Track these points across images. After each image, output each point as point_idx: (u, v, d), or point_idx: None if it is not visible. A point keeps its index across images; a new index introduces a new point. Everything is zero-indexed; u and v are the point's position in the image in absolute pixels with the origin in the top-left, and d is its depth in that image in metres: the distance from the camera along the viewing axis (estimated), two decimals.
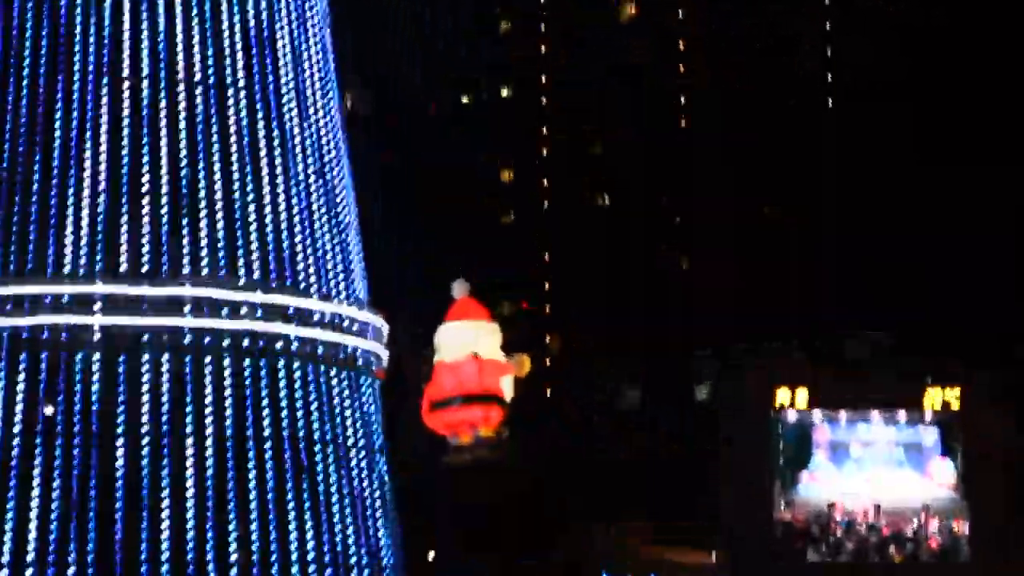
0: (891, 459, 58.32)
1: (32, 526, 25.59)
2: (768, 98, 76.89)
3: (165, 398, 26.53)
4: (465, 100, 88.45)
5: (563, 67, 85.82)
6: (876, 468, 58.34)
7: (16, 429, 25.96)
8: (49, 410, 25.97)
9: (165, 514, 26.12)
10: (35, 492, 25.77)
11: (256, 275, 27.71)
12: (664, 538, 57.62)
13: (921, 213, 69.54)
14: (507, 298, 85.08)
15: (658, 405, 71.13)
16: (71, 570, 25.52)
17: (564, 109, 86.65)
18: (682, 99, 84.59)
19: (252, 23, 28.67)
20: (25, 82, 27.21)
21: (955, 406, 55.82)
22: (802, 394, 59.85)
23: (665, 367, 73.15)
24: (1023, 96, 68.66)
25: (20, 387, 26.11)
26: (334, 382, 28.49)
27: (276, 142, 28.62)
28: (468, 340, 26.70)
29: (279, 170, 28.54)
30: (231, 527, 26.46)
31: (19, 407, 26.03)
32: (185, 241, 27.29)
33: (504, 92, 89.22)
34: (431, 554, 52.66)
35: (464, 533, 52.74)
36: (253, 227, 27.96)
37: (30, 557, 25.47)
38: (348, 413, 28.58)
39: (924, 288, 66.92)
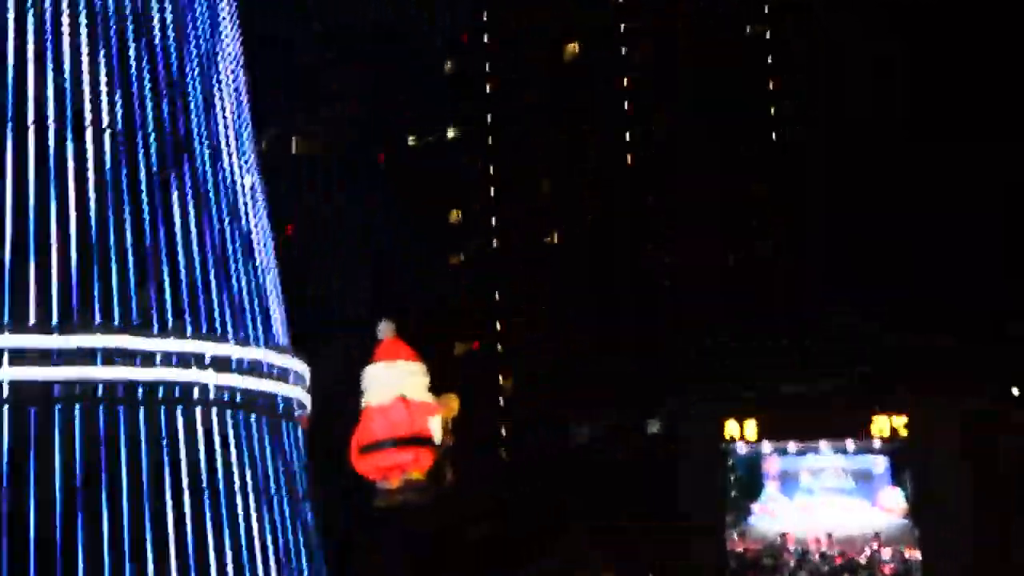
0: (841, 487, 58.17)
1: None
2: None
3: (77, 451, 25.91)
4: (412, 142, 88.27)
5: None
6: (826, 496, 58.18)
7: None
8: None
9: (80, 569, 25.44)
10: None
11: (170, 322, 27.18)
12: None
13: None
14: (459, 338, 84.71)
15: (611, 441, 70.72)
16: None
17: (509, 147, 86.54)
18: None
19: (161, 68, 28.25)
20: None
21: (903, 433, 55.72)
22: (751, 426, 59.68)
23: (617, 402, 72.78)
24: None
25: None
26: (254, 429, 27.95)
27: (188, 187, 28.16)
28: (395, 382, 26.15)
29: (191, 215, 28.06)
30: (156, 566, 25.85)
31: None
32: (95, 290, 26.73)
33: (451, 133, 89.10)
34: None
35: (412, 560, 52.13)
36: (166, 274, 27.46)
37: None
38: (269, 461, 28.03)
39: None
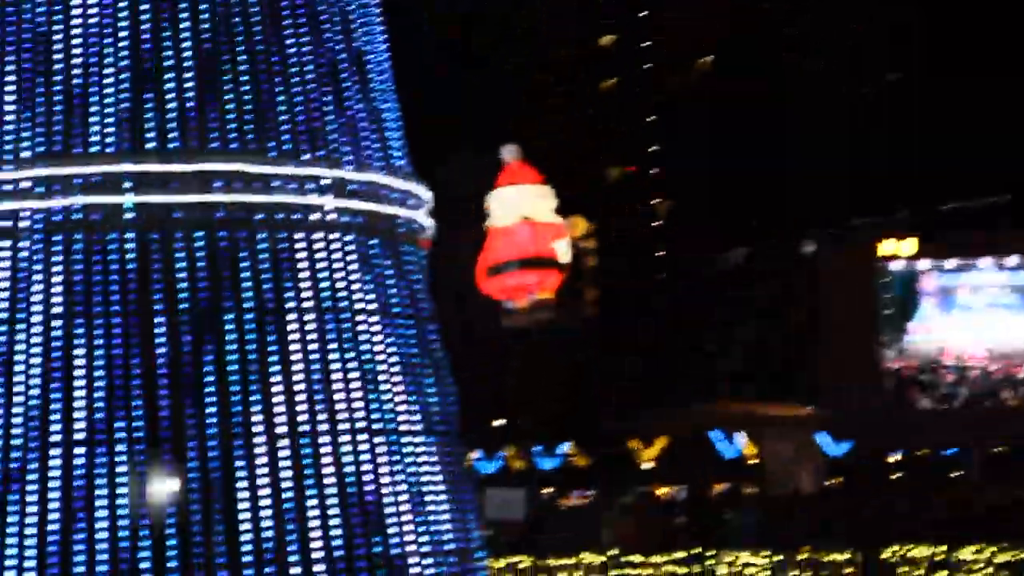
0: (1001, 303, 57.01)
1: (80, 407, 25.71)
2: None
3: (201, 275, 26.35)
4: None
5: None
6: (986, 312, 57.09)
7: (56, 312, 26.00)
8: (85, 291, 25.96)
9: (210, 390, 26.06)
10: (79, 374, 25.84)
11: (287, 147, 27.28)
12: (769, 397, 57.07)
13: None
14: (613, 162, 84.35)
15: (764, 260, 70.12)
16: (120, 447, 25.62)
17: None
18: None
19: None
20: None
21: None
22: (908, 244, 58.58)
23: (770, 224, 72.00)
24: None
25: (55, 269, 26.11)
26: (374, 251, 28.07)
27: (301, 9, 27.98)
28: (520, 204, 26.07)
29: (305, 39, 27.93)
30: (276, 399, 26.35)
31: (56, 290, 26.05)
32: (212, 116, 26.89)
33: None
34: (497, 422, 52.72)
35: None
36: (281, 99, 27.46)
37: (80, 436, 25.62)
38: (391, 282, 28.18)
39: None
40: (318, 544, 26.01)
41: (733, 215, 73.86)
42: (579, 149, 76.66)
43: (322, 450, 26.47)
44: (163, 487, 25.52)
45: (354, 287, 27.59)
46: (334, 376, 26.99)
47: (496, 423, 56.35)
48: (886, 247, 57.93)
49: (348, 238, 27.77)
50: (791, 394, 59.08)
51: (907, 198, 63.74)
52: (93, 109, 26.48)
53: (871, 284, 57.61)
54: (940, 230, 57.57)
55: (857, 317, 57.89)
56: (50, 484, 25.48)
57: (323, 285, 27.24)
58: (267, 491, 25.86)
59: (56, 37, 26.72)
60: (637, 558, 38.66)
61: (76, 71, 26.64)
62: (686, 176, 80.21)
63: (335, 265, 27.47)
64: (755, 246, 72.99)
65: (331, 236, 27.52)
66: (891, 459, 57.03)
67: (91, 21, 26.73)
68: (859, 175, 68.62)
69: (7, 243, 26.14)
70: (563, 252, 27.48)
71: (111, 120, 26.50)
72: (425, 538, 27.30)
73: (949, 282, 57.52)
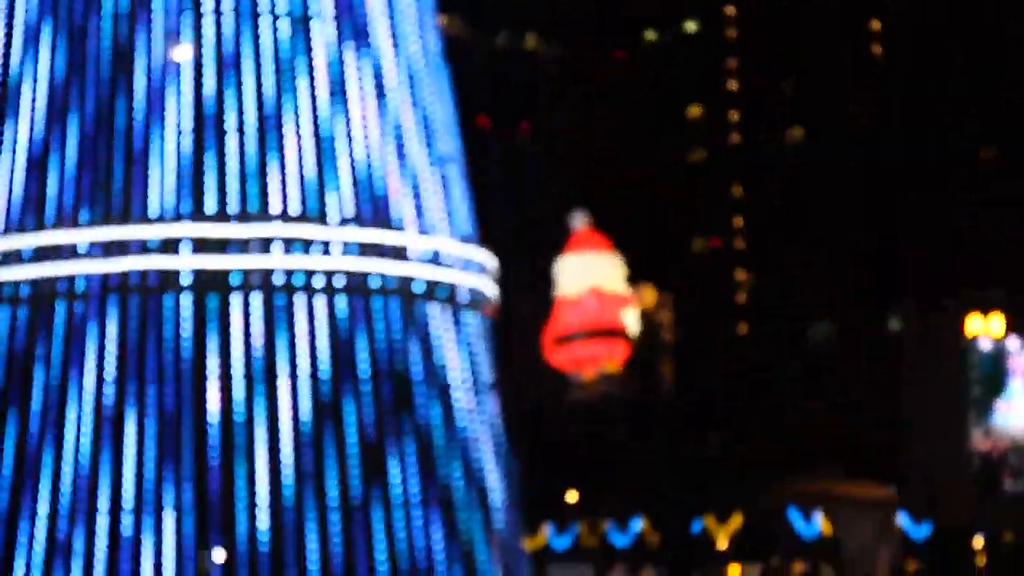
0: None
1: (128, 470, 25.37)
2: None
3: (257, 339, 25.98)
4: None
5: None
6: None
7: (110, 374, 25.72)
8: (140, 353, 25.68)
9: (261, 456, 25.62)
10: (130, 437, 25.52)
11: (349, 212, 26.92)
12: (849, 475, 55.68)
13: None
14: (696, 234, 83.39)
15: (850, 336, 68.67)
16: (168, 514, 25.21)
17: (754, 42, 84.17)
18: None
19: None
20: (108, 22, 26.79)
21: None
22: (996, 321, 57.15)
23: (857, 299, 70.61)
24: None
25: (112, 332, 25.85)
26: (433, 319, 27.55)
27: (366, 74, 27.72)
28: (588, 273, 25.37)
29: (370, 104, 27.65)
30: (328, 467, 25.85)
31: (111, 352, 25.77)
32: (274, 179, 26.65)
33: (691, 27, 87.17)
34: (572, 495, 51.74)
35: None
36: (344, 163, 27.17)
37: (128, 505, 25.24)
38: (449, 350, 27.63)
39: None
40: None
41: (820, 289, 72.66)
42: (660, 219, 76.11)
43: (374, 523, 25.92)
44: (210, 557, 25.09)
45: (412, 354, 27.09)
46: (388, 446, 26.48)
47: (570, 497, 55.51)
48: (973, 325, 56.40)
49: (408, 305, 27.33)
50: (873, 473, 57.66)
51: (996, 275, 62.30)
52: (154, 172, 26.37)
53: (958, 362, 56.03)
54: None
55: (943, 395, 56.30)
56: (96, 553, 25.18)
57: (381, 352, 26.79)
58: (316, 565, 25.30)
59: (119, 99, 26.66)
60: None
61: (138, 133, 26.57)
62: (771, 250, 79.26)
63: (393, 332, 27.00)
64: (841, 321, 71.70)
65: (390, 302, 27.12)
66: (976, 543, 55.38)
67: (154, 84, 26.67)
68: (946, 251, 67.28)
69: (63, 305, 26.06)
70: (632, 323, 26.71)
71: (171, 183, 26.36)
72: None
73: None
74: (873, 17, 79.05)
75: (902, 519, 54.36)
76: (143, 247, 25.99)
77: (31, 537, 25.18)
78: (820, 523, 52.53)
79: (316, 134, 27.10)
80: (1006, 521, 54.03)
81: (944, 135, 71.44)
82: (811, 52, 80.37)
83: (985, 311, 57.02)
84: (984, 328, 56.94)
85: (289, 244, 26.46)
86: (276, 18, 27.10)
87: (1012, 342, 56.87)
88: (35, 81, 27.03)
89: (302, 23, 27.30)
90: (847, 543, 52.31)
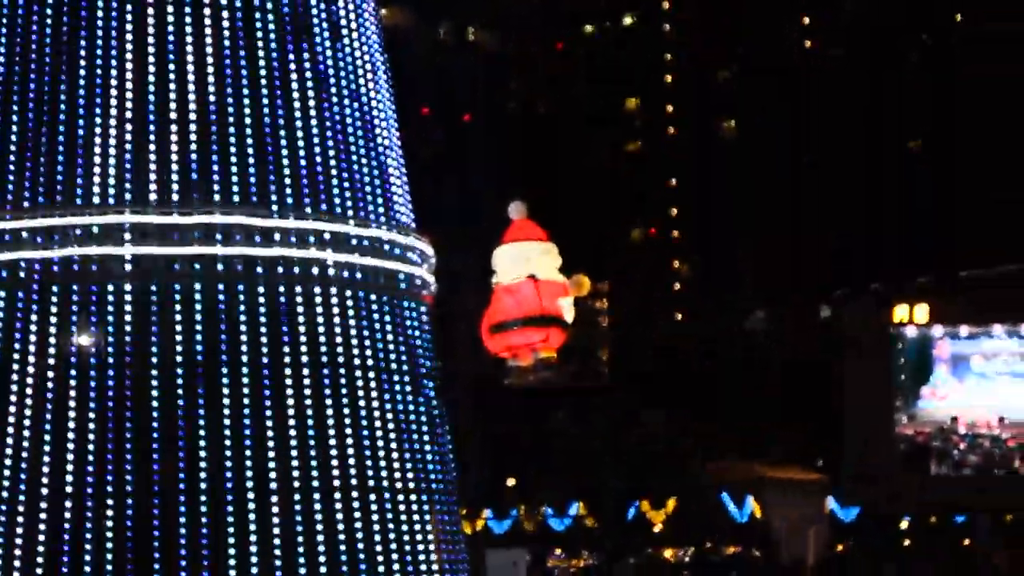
0: (1016, 371, 56.55)
1: (69, 461, 25.63)
2: None
3: (199, 327, 26.33)
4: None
5: None
6: (999, 381, 56.63)
7: (50, 362, 25.98)
8: (82, 342, 25.94)
9: (201, 444, 25.97)
10: (71, 426, 25.79)
11: (289, 201, 27.32)
12: (776, 459, 56.79)
13: None
14: (634, 226, 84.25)
15: (781, 325, 69.81)
16: (109, 501, 25.51)
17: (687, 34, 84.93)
18: None
19: None
20: (49, 7, 27.01)
21: None
22: (921, 310, 58.20)
23: (790, 290, 71.71)
24: None
25: (52, 319, 26.12)
26: (374, 307, 28.02)
27: (306, 64, 28.10)
28: (525, 262, 25.92)
29: (310, 93, 28.03)
30: (269, 455, 26.26)
31: (51, 340, 26.04)
32: (214, 168, 26.97)
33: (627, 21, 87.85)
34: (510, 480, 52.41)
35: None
36: (284, 152, 27.55)
37: (68, 490, 25.51)
38: (390, 338, 28.11)
39: None
40: None
41: (752, 279, 73.72)
42: (597, 208, 76.87)
43: (314, 507, 26.37)
44: (152, 542, 25.39)
45: (353, 342, 27.55)
46: (329, 432, 26.93)
47: (509, 482, 56.19)
48: (900, 313, 57.48)
49: (347, 292, 27.79)
50: (803, 458, 58.79)
51: (923, 263, 63.54)
52: (95, 160, 26.63)
53: (886, 350, 57.09)
54: (954, 296, 57.20)
55: (872, 382, 57.38)
56: (39, 537, 25.46)
57: (321, 340, 27.22)
58: (255, 548, 25.71)
59: (61, 87, 26.91)
60: None
61: (80, 121, 26.82)
62: (706, 239, 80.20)
63: (334, 319, 27.45)
64: (773, 310, 72.84)
65: (331, 289, 27.55)
66: (901, 525, 56.66)
67: (96, 72, 26.93)
68: (876, 239, 68.55)
69: (3, 293, 26.29)
70: (568, 311, 27.26)
71: (112, 171, 26.64)
72: None
73: (963, 349, 56.98)
74: (804, 13, 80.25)
75: (831, 502, 55.49)
76: (85, 234, 26.27)
77: None
78: (752, 507, 53.60)
79: (256, 123, 27.42)
80: (931, 504, 55.24)
81: (874, 127, 72.64)
82: (746, 45, 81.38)
83: (911, 299, 58.14)
84: (910, 315, 58.05)
85: (229, 232, 26.79)
86: (219, 8, 27.42)
87: (937, 329, 57.98)
88: None
89: (244, 11, 27.62)
90: (777, 526, 53.41)
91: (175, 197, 26.68)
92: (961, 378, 56.78)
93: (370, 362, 27.68)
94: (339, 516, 26.40)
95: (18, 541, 25.22)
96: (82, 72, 26.92)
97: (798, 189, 74.68)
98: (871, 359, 57.89)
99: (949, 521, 56.14)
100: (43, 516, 25.29)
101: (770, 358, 68.74)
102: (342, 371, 27.27)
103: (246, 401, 26.39)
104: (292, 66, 27.99)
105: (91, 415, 25.82)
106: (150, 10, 27.19)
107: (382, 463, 27.36)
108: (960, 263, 60.15)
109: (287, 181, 27.49)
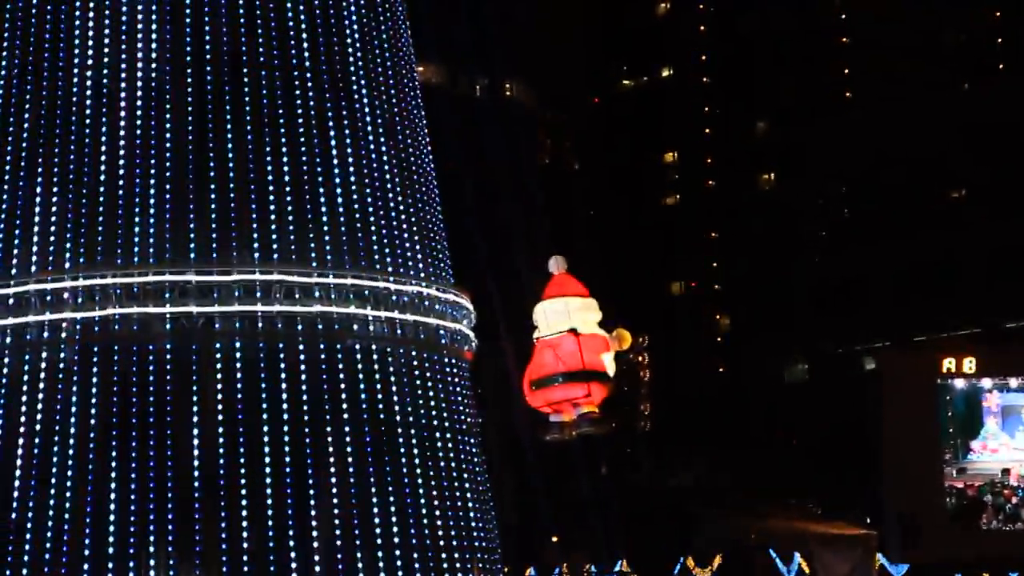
0: None
1: (111, 518, 25.50)
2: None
3: (239, 385, 26.22)
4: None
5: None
6: None
7: (92, 422, 25.91)
8: (123, 400, 25.88)
9: (243, 503, 25.81)
10: (113, 484, 25.67)
11: (329, 258, 27.26)
12: (825, 515, 56.12)
13: None
14: (674, 279, 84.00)
15: (824, 376, 69.19)
16: (151, 562, 25.34)
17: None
18: None
19: (316, 3, 28.21)
20: (89, 72, 27.17)
21: None
22: (970, 362, 57.49)
23: (832, 340, 71.15)
24: None
25: (93, 379, 26.08)
26: (415, 363, 27.86)
27: (345, 122, 28.14)
28: (566, 317, 25.74)
29: (349, 151, 28.04)
30: (311, 513, 26.06)
31: (93, 399, 25.97)
32: (254, 227, 26.96)
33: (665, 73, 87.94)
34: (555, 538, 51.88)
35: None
36: (324, 209, 27.54)
37: (110, 551, 25.38)
38: (431, 394, 27.93)
39: None
40: None
41: (795, 330, 73.28)
42: (638, 263, 76.72)
43: (357, 565, 26.13)
44: None
45: (394, 399, 27.37)
46: (371, 489, 26.69)
47: (553, 539, 55.73)
48: (947, 364, 56.79)
49: (388, 349, 27.63)
50: (850, 513, 58.07)
51: (970, 314, 62.95)
52: (135, 220, 26.64)
53: (933, 401, 56.39)
54: (1003, 347, 56.51)
55: (919, 435, 56.64)
56: None
57: (362, 396, 27.06)
58: None
59: (102, 148, 26.98)
60: None
61: (120, 181, 26.86)
62: (747, 291, 79.86)
63: (375, 376, 27.30)
64: (816, 362, 72.29)
65: (371, 346, 27.42)
66: None
67: (137, 132, 27.00)
68: (922, 291, 68.00)
69: (46, 352, 26.27)
70: (610, 365, 27.03)
71: (153, 230, 26.64)
72: None
73: (1013, 401, 56.17)
74: (839, 60, 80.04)
75: (881, 558, 54.69)
76: (126, 293, 26.25)
77: None
78: (799, 563, 52.88)
79: (296, 181, 27.42)
80: (983, 559, 54.36)
81: (913, 172, 72.24)
82: (780, 97, 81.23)
83: (958, 350, 57.47)
84: (957, 366, 57.37)
85: (268, 290, 26.73)
86: (258, 66, 27.49)
87: (985, 382, 57.30)
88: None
89: (282, 72, 27.69)
90: None
91: (214, 256, 26.64)
92: (1012, 431, 56.01)
93: (411, 418, 27.50)
94: (382, 574, 26.13)
95: None
96: (122, 131, 27.01)
97: (842, 239, 74.22)
98: (917, 411, 57.15)
99: None
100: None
101: (810, 409, 68.15)
102: (383, 428, 27.09)
103: (287, 458, 26.20)
104: (331, 123, 28.02)
105: (132, 474, 25.67)
106: (188, 70, 27.28)
107: (424, 520, 27.11)
108: (1008, 313, 59.60)
109: (327, 238, 27.43)
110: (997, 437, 56.10)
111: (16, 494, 25.67)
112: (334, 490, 26.33)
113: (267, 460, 26.07)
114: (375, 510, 26.59)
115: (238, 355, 26.39)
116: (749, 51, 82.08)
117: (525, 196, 64.48)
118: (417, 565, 26.56)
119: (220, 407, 26.07)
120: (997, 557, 54.20)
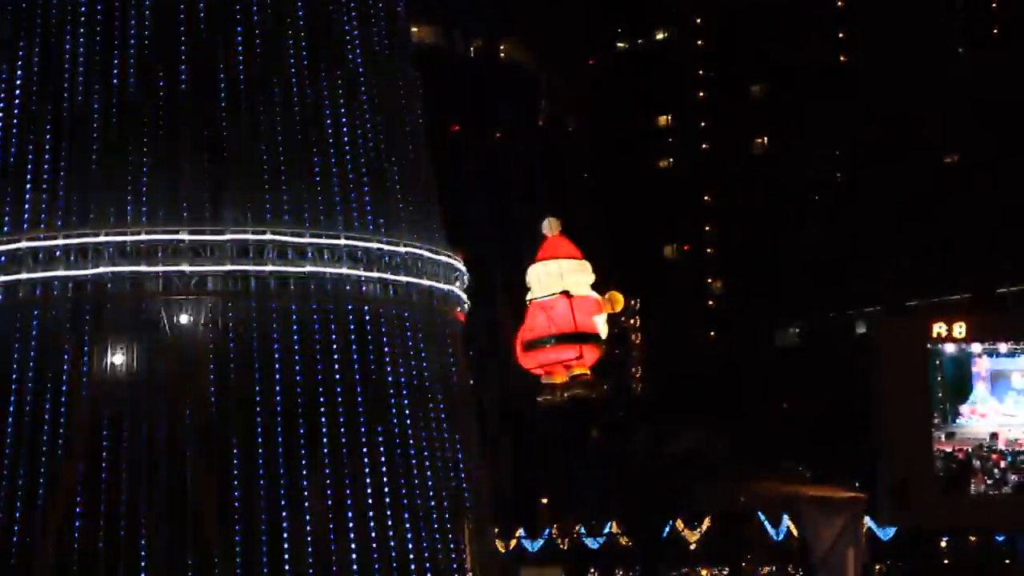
0: None
1: (103, 476, 25.66)
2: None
3: (231, 344, 26.33)
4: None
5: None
6: None
7: (84, 379, 26.02)
8: (115, 359, 26.00)
9: (235, 461, 25.98)
10: (105, 443, 25.81)
11: (321, 219, 27.30)
12: (816, 479, 56.33)
13: None
14: (668, 242, 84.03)
15: (816, 341, 69.40)
16: (142, 519, 25.49)
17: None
18: None
19: None
20: (82, 31, 27.11)
21: None
22: (960, 327, 57.58)
23: (824, 305, 71.29)
24: None
25: (85, 336, 26.18)
26: (407, 324, 27.93)
27: (338, 83, 28.16)
28: (558, 279, 25.80)
29: (343, 112, 28.06)
30: (302, 471, 26.20)
31: (84, 358, 26.09)
32: (247, 187, 27.05)
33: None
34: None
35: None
36: (317, 170, 27.57)
37: (109, 499, 25.55)
38: (423, 355, 28.02)
39: None
40: None
41: (787, 295, 73.31)
42: (631, 225, 76.62)
43: (348, 524, 26.29)
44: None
45: (385, 359, 27.46)
46: (362, 448, 26.81)
47: (543, 501, 55.94)
48: (938, 329, 56.92)
49: (380, 309, 27.71)
50: (840, 476, 58.26)
51: (962, 279, 63.06)
52: (129, 178, 26.66)
53: (924, 366, 56.53)
54: (993, 311, 56.68)
55: (909, 399, 56.82)
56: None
57: (354, 356, 27.16)
58: (287, 556, 25.51)
59: (95, 106, 26.97)
60: None
61: (114, 139, 26.89)
62: (740, 256, 79.81)
63: (367, 336, 27.38)
64: (808, 326, 72.39)
65: (364, 306, 27.48)
66: (940, 544, 56.06)
67: (130, 91, 27.02)
68: (916, 255, 68.06)
69: (38, 310, 26.32)
70: (602, 327, 27.19)
71: (146, 189, 26.68)
72: None
73: (1002, 366, 56.31)
74: (839, 25, 79.85)
75: (869, 521, 54.94)
76: (120, 251, 26.30)
77: None
78: (788, 526, 53.13)
79: (289, 144, 27.44)
80: (971, 523, 54.64)
81: (908, 140, 72.16)
82: (778, 60, 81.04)
83: (949, 315, 57.60)
84: (948, 331, 57.50)
85: (261, 250, 26.79)
86: (251, 30, 27.45)
87: (976, 346, 57.41)
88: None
89: (276, 34, 27.68)
90: (815, 545, 52.83)
91: (207, 216, 26.68)
92: (1001, 396, 56.19)
93: (403, 378, 27.60)
94: (373, 533, 26.31)
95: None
96: (115, 90, 27.02)
97: (836, 205, 74.27)
98: (908, 376, 57.29)
99: (989, 540, 55.56)
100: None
101: (805, 376, 68.34)
102: (375, 387, 27.21)
103: (279, 420, 26.31)
104: (324, 85, 28.01)
105: (124, 432, 25.78)
106: (181, 28, 27.27)
107: (415, 479, 27.26)
108: (999, 278, 59.76)
109: (320, 199, 27.47)
110: (986, 401, 56.27)
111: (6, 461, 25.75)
112: (325, 448, 26.45)
113: (258, 420, 26.18)
114: (366, 468, 26.72)
115: (230, 314, 26.47)
116: (745, 14, 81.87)
117: (521, 158, 64.46)
118: (407, 524, 26.72)
119: (212, 367, 26.17)
120: (984, 521, 54.52)
